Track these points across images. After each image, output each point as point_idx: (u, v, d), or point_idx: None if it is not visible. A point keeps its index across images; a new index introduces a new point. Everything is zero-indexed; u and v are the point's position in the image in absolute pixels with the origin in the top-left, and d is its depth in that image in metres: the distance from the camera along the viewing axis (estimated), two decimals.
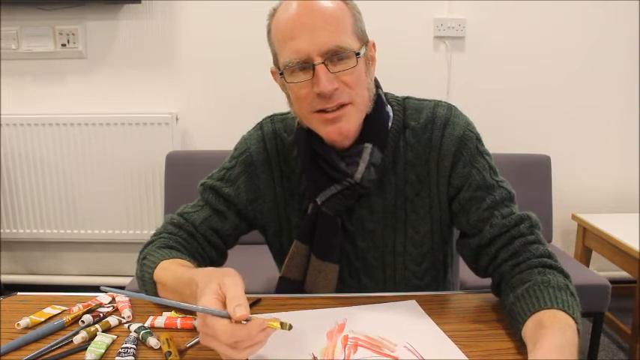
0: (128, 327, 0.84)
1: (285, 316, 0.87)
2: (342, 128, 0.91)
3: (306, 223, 1.01)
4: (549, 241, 2.38)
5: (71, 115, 2.43)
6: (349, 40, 0.89)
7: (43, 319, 0.87)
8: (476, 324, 0.86)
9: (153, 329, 0.84)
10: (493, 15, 2.40)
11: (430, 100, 1.02)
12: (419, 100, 1.03)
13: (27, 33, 2.41)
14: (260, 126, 1.08)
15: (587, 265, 2.35)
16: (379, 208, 1.00)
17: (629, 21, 2.40)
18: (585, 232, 2.33)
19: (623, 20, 2.39)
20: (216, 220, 1.03)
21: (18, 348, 0.78)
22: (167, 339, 0.78)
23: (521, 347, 0.76)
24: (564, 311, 0.76)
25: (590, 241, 2.31)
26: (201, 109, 2.50)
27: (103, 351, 0.77)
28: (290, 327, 0.70)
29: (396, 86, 1.12)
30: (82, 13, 2.40)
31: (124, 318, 0.87)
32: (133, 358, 0.75)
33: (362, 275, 1.04)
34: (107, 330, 0.84)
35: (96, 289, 0.83)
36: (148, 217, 2.50)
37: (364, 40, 0.93)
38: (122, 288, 0.86)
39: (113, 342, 0.80)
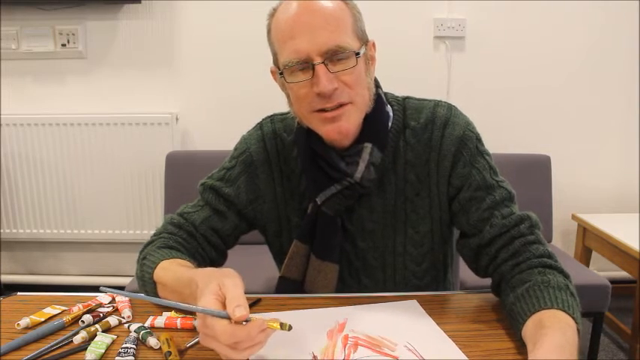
0: (128, 327, 0.84)
1: (286, 316, 0.87)
2: (342, 127, 0.91)
3: (306, 223, 1.01)
4: (549, 241, 2.38)
5: (71, 115, 2.43)
6: (349, 39, 0.89)
7: (43, 319, 0.87)
8: (476, 324, 0.86)
9: (153, 329, 0.84)
10: (493, 15, 2.40)
11: (430, 100, 1.02)
12: (419, 100, 1.03)
13: (27, 33, 2.41)
14: (260, 126, 1.08)
15: (587, 265, 2.35)
16: (379, 208, 1.00)
17: (629, 21, 2.40)
18: (585, 232, 2.33)
19: (623, 20, 2.39)
20: (216, 220, 1.03)
21: (18, 348, 0.78)
22: (167, 339, 0.78)
23: (521, 347, 0.76)
24: (564, 311, 0.76)
25: (590, 241, 2.31)
26: (201, 109, 2.50)
27: (103, 351, 0.77)
28: (290, 327, 0.70)
29: (396, 86, 1.12)
30: (82, 13, 2.40)
31: (123, 318, 0.87)
32: (133, 358, 0.75)
33: (362, 275, 1.04)
34: (107, 330, 0.84)
35: (96, 289, 0.83)
36: (148, 217, 2.50)
37: (364, 40, 0.93)
38: (122, 288, 0.86)
39: (113, 342, 0.80)
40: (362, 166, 0.94)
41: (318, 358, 0.74)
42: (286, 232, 1.07)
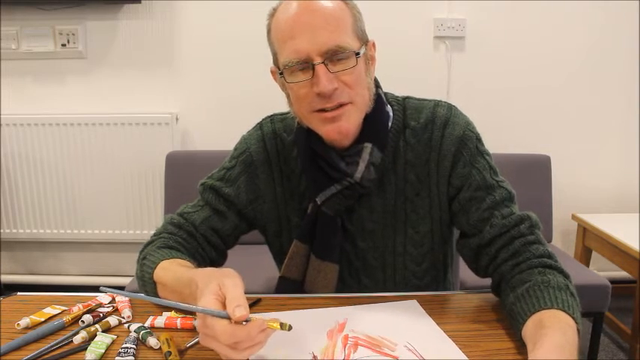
0: (128, 327, 0.84)
1: (286, 316, 0.87)
2: (342, 127, 0.91)
3: (305, 223, 1.01)
4: (549, 241, 2.38)
5: (71, 115, 2.43)
6: (349, 39, 0.89)
7: (43, 319, 0.87)
8: (476, 324, 0.86)
9: (153, 329, 0.84)
10: (493, 15, 2.40)
11: (430, 100, 1.02)
12: (419, 99, 1.03)
13: (27, 33, 2.41)
14: (260, 126, 1.07)
15: (587, 265, 2.35)
16: (379, 208, 1.00)
17: (629, 21, 2.40)
18: (585, 232, 2.33)
19: (623, 20, 2.39)
20: (216, 220, 1.03)
21: (18, 348, 0.78)
22: (167, 339, 0.78)
23: (521, 347, 0.76)
24: (564, 311, 0.76)
25: (590, 241, 2.31)
26: (201, 109, 2.50)
27: (103, 351, 0.77)
28: (290, 328, 0.70)
29: (396, 86, 1.12)
30: (82, 13, 2.40)
31: (123, 318, 0.87)
32: (133, 358, 0.75)
33: (362, 275, 1.04)
34: (107, 330, 0.84)
35: (96, 289, 0.83)
36: (148, 217, 2.50)
37: (364, 40, 0.93)
38: (122, 288, 0.86)
39: (113, 342, 0.80)
40: (362, 166, 0.94)
41: (318, 358, 0.74)
42: (286, 232, 1.07)
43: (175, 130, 2.43)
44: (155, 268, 0.92)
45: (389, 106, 1.01)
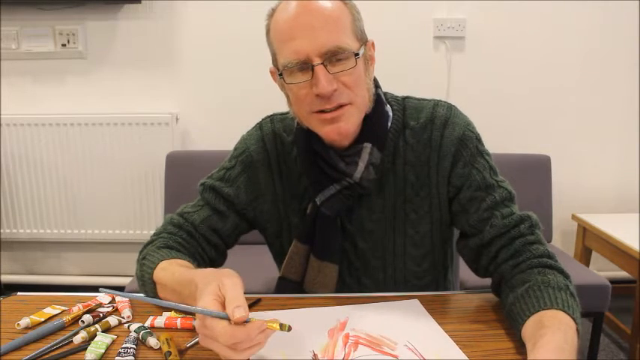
0: (128, 327, 0.84)
1: (287, 314, 0.87)
2: (342, 128, 0.90)
3: (305, 224, 1.01)
4: (549, 241, 2.38)
5: (71, 115, 2.43)
6: (348, 40, 0.88)
7: (43, 319, 0.87)
8: (476, 324, 0.86)
9: (153, 329, 0.84)
10: (493, 15, 2.40)
11: (430, 100, 1.02)
12: (418, 99, 1.03)
13: (27, 33, 2.41)
14: (260, 126, 1.07)
15: (587, 265, 2.35)
16: (379, 208, 1.00)
17: (629, 21, 2.39)
18: (585, 232, 2.33)
19: (623, 20, 2.39)
20: (216, 220, 1.03)
21: (18, 348, 0.78)
22: (167, 339, 0.78)
23: (521, 347, 0.76)
24: (564, 311, 0.76)
25: (590, 241, 2.31)
26: (201, 109, 2.50)
27: (103, 351, 0.77)
28: (289, 328, 0.70)
29: (395, 86, 1.12)
30: (82, 13, 2.40)
31: (123, 318, 0.87)
32: (132, 358, 0.75)
33: (362, 275, 1.04)
34: (107, 330, 0.84)
35: (96, 289, 0.83)
36: (147, 217, 2.51)
37: (363, 40, 0.93)
38: (122, 288, 0.86)
39: (113, 342, 0.80)
40: (361, 167, 0.94)
41: (319, 356, 0.75)
42: (286, 232, 1.07)
43: (175, 130, 2.43)
44: (155, 268, 0.92)
45: (388, 106, 1.00)
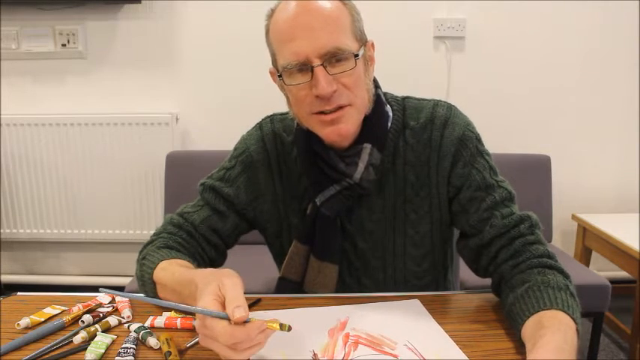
0: (128, 327, 0.84)
1: (288, 314, 0.88)
2: (342, 129, 0.90)
3: (305, 224, 1.01)
4: (549, 241, 2.38)
5: (71, 115, 2.43)
6: (348, 41, 0.88)
7: (43, 319, 0.87)
8: (476, 324, 0.86)
9: (153, 329, 0.84)
10: (493, 15, 2.40)
11: (430, 100, 1.02)
12: (418, 99, 1.03)
13: (27, 33, 2.41)
14: (259, 126, 1.07)
15: (587, 265, 2.35)
16: (379, 209, 1.00)
17: (629, 21, 2.40)
18: (585, 232, 2.33)
19: (623, 20, 2.39)
20: (215, 220, 1.03)
21: (18, 348, 0.78)
22: (167, 339, 0.78)
23: (521, 347, 0.76)
24: (564, 312, 0.76)
25: (590, 241, 2.31)
26: (201, 109, 2.50)
27: (103, 351, 0.77)
28: (289, 328, 0.70)
29: (396, 86, 1.12)
30: (82, 13, 2.40)
31: (123, 318, 0.87)
32: (132, 358, 0.75)
33: (362, 275, 1.04)
34: (107, 330, 0.84)
35: (96, 289, 0.83)
36: (147, 217, 2.51)
37: (363, 41, 0.93)
38: (122, 288, 0.86)
39: (113, 342, 0.80)
40: (361, 167, 0.94)
41: (319, 356, 0.75)
42: (286, 232, 1.07)
43: (175, 130, 2.43)
44: (155, 268, 0.92)
45: (388, 106, 1.00)
